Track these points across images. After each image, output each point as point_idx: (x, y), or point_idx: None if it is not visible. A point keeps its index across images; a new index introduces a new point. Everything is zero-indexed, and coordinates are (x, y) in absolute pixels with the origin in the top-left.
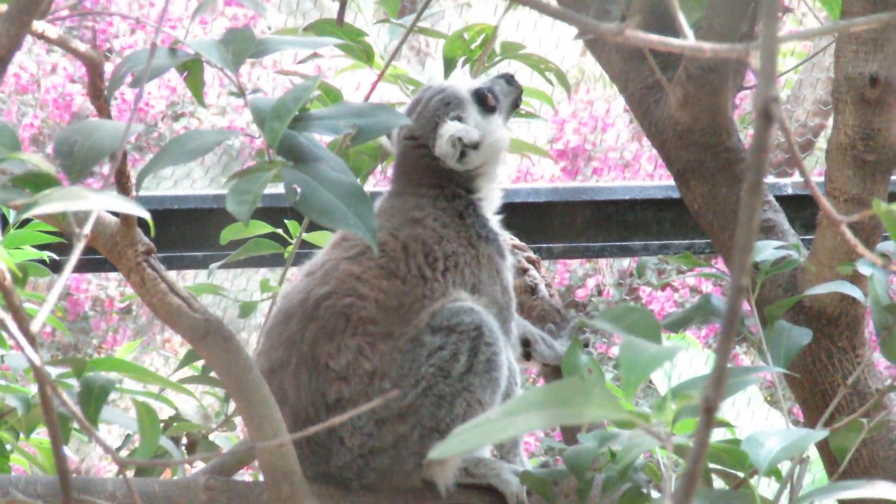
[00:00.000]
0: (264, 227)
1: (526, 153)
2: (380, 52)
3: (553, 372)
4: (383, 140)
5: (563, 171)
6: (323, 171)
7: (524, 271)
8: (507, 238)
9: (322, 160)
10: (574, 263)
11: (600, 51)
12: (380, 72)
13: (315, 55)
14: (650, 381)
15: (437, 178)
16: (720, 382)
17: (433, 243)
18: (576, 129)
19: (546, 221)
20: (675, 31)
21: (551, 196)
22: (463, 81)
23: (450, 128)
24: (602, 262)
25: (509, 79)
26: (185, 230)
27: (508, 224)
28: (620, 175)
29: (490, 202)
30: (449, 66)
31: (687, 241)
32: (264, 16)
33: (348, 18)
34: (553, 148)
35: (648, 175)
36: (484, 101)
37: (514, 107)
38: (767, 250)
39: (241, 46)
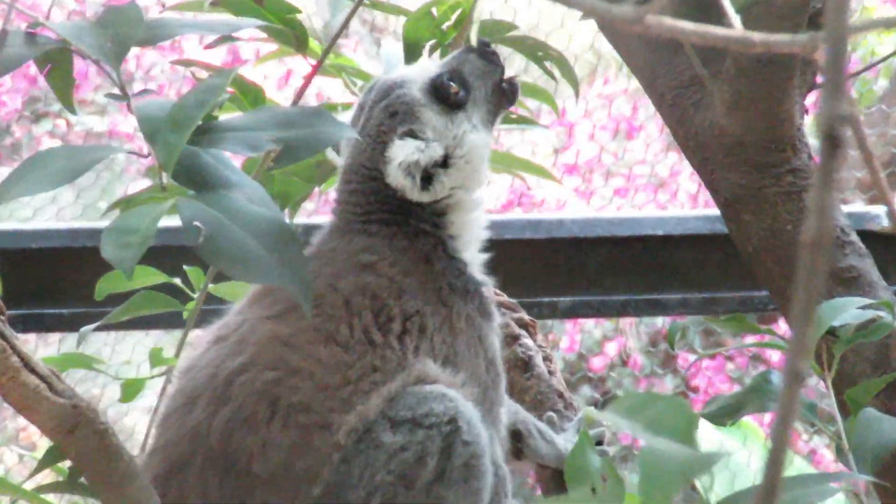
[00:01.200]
0: (156, 276)
1: (518, 173)
2: (318, 32)
3: (553, 477)
4: (329, 152)
5: (577, 192)
6: (236, 202)
7: (514, 339)
8: (492, 290)
9: (235, 187)
10: (588, 322)
11: (617, 35)
12: (316, 61)
13: (229, 38)
14: (692, 486)
15: (394, 209)
16: (772, 499)
17: (388, 297)
18: (590, 135)
19: (548, 266)
20: (720, 12)
21: (555, 230)
22: (417, 70)
23: (399, 151)
24: (626, 319)
25: (484, 51)
26: (48, 278)
27: (494, 269)
28: (652, 199)
29: (469, 239)
30: (411, 53)
31: (741, 294)
32: None
33: None
34: (559, 162)
35: (690, 198)
36: (444, 95)
37: (502, 96)
38: (849, 311)
39: (125, 31)
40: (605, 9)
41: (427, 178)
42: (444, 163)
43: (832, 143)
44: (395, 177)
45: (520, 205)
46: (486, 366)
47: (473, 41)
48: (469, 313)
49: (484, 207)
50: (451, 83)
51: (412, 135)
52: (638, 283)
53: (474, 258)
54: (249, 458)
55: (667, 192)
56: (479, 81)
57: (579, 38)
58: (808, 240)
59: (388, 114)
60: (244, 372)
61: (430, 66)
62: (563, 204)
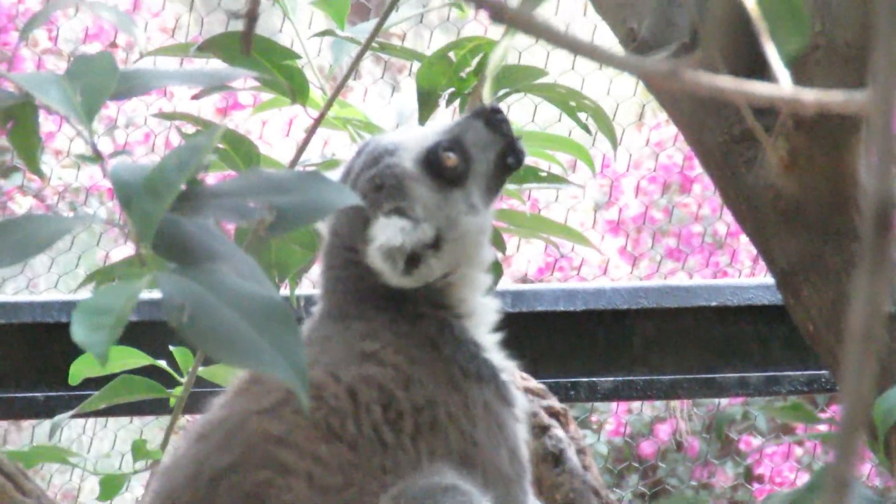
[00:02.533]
0: (138, 357)
1: (549, 238)
2: (321, 78)
3: None
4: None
5: (622, 255)
6: (223, 277)
7: (543, 430)
8: (516, 374)
9: (222, 260)
10: (637, 403)
11: (658, 86)
12: (318, 113)
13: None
14: None
15: (388, 293)
16: None
17: (395, 388)
18: (637, 188)
19: (587, 342)
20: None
21: (594, 301)
22: (413, 136)
23: (382, 231)
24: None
25: (491, 117)
26: (19, 357)
27: (524, 346)
28: (707, 262)
29: (480, 319)
30: (426, 103)
31: (808, 373)
32: (132, 34)
33: (274, 26)
34: (601, 219)
35: (753, 260)
36: (441, 170)
37: (505, 169)
38: None
39: (97, 83)
40: (638, 63)
41: (413, 259)
42: (435, 244)
43: (881, 223)
44: (374, 259)
45: (557, 269)
46: (508, 457)
47: (486, 94)
48: (486, 399)
49: (489, 285)
50: (450, 155)
51: (400, 212)
52: (689, 360)
53: (487, 339)
54: None
55: (726, 253)
56: (482, 154)
57: (623, 80)
58: (856, 331)
59: (374, 186)
60: (231, 472)
61: (428, 132)
62: (606, 269)
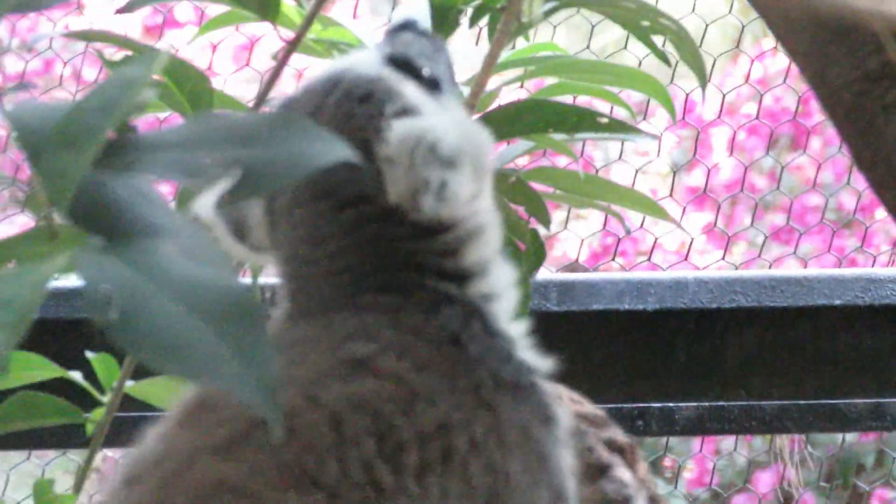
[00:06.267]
0: (44, 369)
1: (609, 207)
2: None
3: None
4: (217, 229)
5: (709, 235)
6: (165, 258)
7: (602, 471)
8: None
9: (164, 235)
10: (727, 440)
11: (767, 3)
12: (293, 34)
13: None
14: None
15: (396, 267)
16: None
17: (395, 411)
18: (731, 143)
19: (661, 354)
20: None
21: (672, 298)
22: (352, 58)
23: (404, 133)
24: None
25: (413, 25)
26: None
27: (574, 359)
28: (829, 247)
29: (505, 299)
30: (443, 20)
31: None
32: None
33: None
34: (681, 186)
35: (891, 244)
36: (414, 71)
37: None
38: None
39: None
40: None
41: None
42: (453, 162)
43: None
44: (403, 179)
45: (620, 255)
46: (551, 500)
47: (530, 9)
48: (525, 421)
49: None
50: (413, 55)
51: (407, 112)
52: (804, 381)
53: (515, 329)
54: None
55: (855, 235)
56: (436, 65)
57: None
58: None
59: (358, 99)
60: None
61: (368, 51)
62: (687, 254)
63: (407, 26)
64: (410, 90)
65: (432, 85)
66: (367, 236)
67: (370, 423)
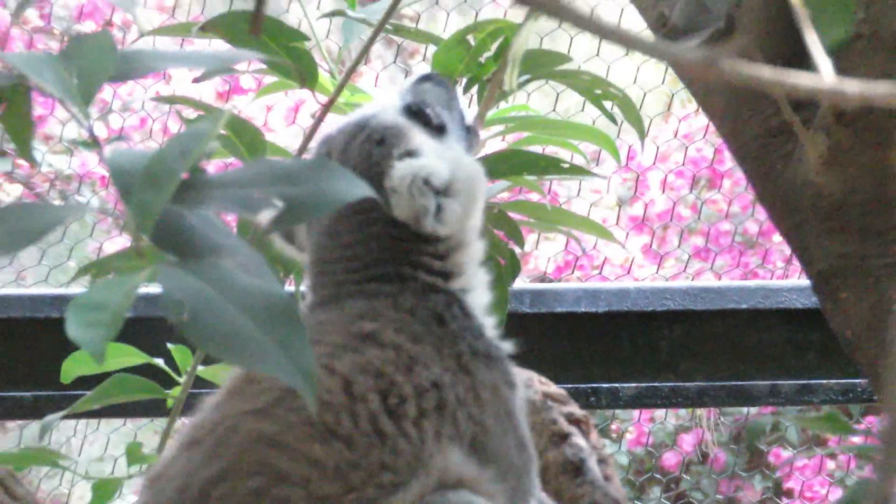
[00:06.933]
0: (134, 356)
1: (570, 231)
2: (331, 61)
3: None
4: (277, 241)
5: (646, 254)
6: (226, 272)
7: (563, 439)
8: (522, 373)
9: (226, 254)
10: (660, 411)
11: (690, 76)
12: (328, 98)
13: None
14: None
15: (397, 262)
16: None
17: (396, 372)
18: (664, 183)
19: (609, 346)
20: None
21: (618, 302)
22: (377, 105)
23: (404, 171)
24: (704, 409)
25: (436, 76)
26: (6, 354)
27: (543, 350)
28: (737, 263)
29: (479, 294)
30: None
31: (843, 381)
32: (132, 12)
33: (280, 5)
34: (625, 215)
35: (785, 261)
36: (425, 118)
37: (469, 133)
38: None
39: (94, 64)
40: (669, 50)
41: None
42: (447, 191)
43: None
44: (405, 205)
45: (578, 268)
46: (516, 446)
47: (508, 80)
48: (495, 382)
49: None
50: (427, 106)
51: (411, 155)
52: (718, 367)
53: (486, 319)
54: None
55: (757, 254)
56: (447, 112)
57: (651, 67)
58: None
59: (375, 142)
60: (222, 481)
61: (390, 99)
62: (630, 268)
63: (428, 78)
64: (417, 135)
65: (439, 129)
66: (374, 235)
67: (375, 383)
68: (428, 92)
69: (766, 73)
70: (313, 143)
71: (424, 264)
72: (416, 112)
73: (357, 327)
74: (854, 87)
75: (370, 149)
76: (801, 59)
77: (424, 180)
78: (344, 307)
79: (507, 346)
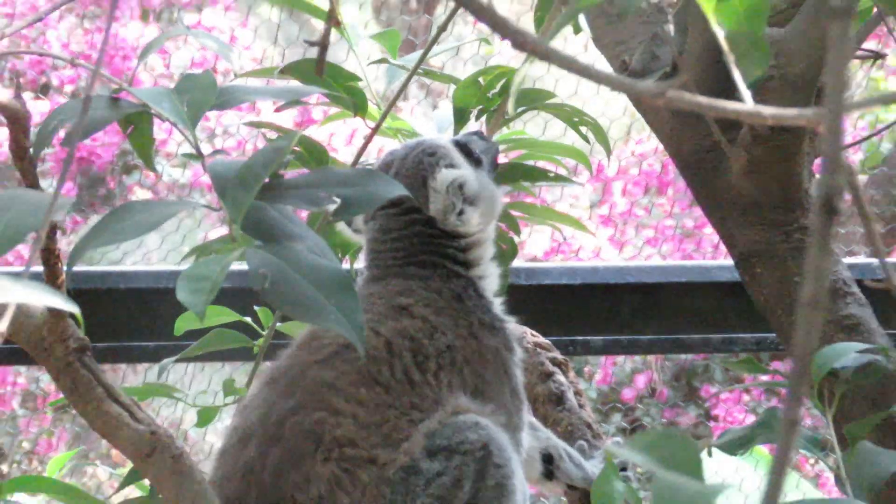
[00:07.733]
0: (229, 315)
1: (556, 225)
2: (378, 97)
3: (582, 498)
4: (340, 226)
5: (611, 242)
6: (298, 252)
7: (548, 376)
8: (518, 329)
9: (297, 239)
10: (620, 357)
11: (645, 105)
12: (375, 124)
13: (296, 102)
14: None
15: (430, 252)
16: None
17: (423, 337)
18: (624, 190)
19: (584, 309)
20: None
21: (590, 277)
22: (434, 135)
23: (446, 176)
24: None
25: (482, 134)
26: (135, 315)
27: (534, 312)
28: (678, 249)
29: (490, 281)
30: (460, 117)
31: (756, 335)
32: (229, 59)
33: (340, 56)
34: (595, 214)
35: (713, 247)
36: (468, 150)
37: (497, 173)
38: (849, 355)
39: (200, 96)
40: (632, 85)
41: (460, 212)
42: (474, 201)
43: (828, 211)
44: (439, 200)
45: (560, 252)
46: (510, 394)
47: (510, 110)
48: (496, 347)
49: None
50: (472, 142)
51: (452, 167)
52: (664, 325)
53: (495, 300)
54: (294, 490)
55: (692, 242)
56: (483, 155)
57: (615, 103)
58: (806, 300)
59: (428, 154)
60: (294, 414)
61: (443, 135)
62: (598, 252)
63: (475, 133)
64: (458, 157)
65: (477, 162)
66: (415, 231)
67: (409, 344)
68: (472, 141)
69: (702, 101)
70: (364, 158)
71: (450, 256)
72: (462, 145)
73: (396, 301)
74: (768, 112)
75: (423, 158)
76: (728, 92)
77: (459, 185)
78: (388, 284)
79: (510, 319)
